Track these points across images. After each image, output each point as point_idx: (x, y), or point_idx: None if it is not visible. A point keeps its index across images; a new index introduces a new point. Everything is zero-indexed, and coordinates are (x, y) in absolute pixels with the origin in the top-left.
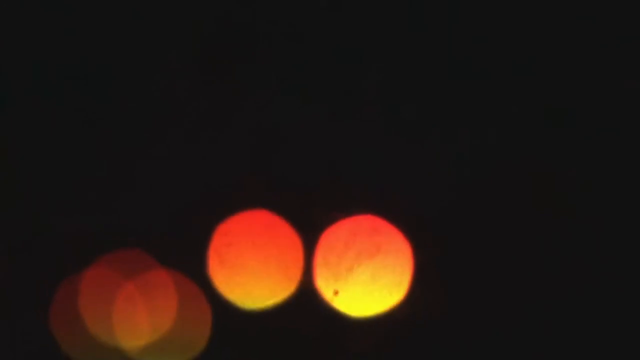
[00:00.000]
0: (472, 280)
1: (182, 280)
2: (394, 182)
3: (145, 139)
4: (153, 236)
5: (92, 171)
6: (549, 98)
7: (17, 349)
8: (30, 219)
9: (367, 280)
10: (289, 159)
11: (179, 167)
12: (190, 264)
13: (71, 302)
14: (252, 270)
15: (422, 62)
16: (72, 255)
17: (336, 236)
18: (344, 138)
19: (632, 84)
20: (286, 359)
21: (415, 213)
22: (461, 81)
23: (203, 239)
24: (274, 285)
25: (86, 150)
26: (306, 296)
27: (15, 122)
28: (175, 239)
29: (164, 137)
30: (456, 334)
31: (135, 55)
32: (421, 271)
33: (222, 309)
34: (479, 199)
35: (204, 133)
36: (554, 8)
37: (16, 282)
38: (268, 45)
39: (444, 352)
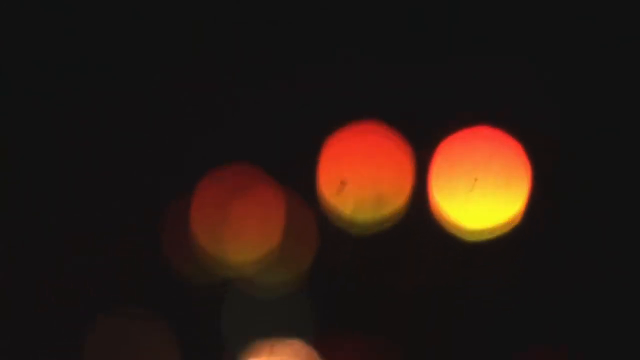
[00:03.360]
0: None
1: (291, 193)
2: (504, 95)
3: None
4: (262, 149)
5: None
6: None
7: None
8: (33, 216)
9: (484, 192)
10: (396, 72)
11: (286, 84)
12: (300, 177)
13: (181, 216)
14: (361, 182)
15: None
16: (183, 171)
17: (452, 148)
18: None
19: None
20: (397, 275)
21: (529, 126)
22: None
23: (312, 151)
24: (384, 197)
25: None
26: (419, 209)
27: (15, 122)
28: (284, 151)
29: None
30: (568, 248)
31: (135, 55)
32: (538, 183)
33: (331, 223)
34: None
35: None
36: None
37: (16, 282)
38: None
39: (558, 269)
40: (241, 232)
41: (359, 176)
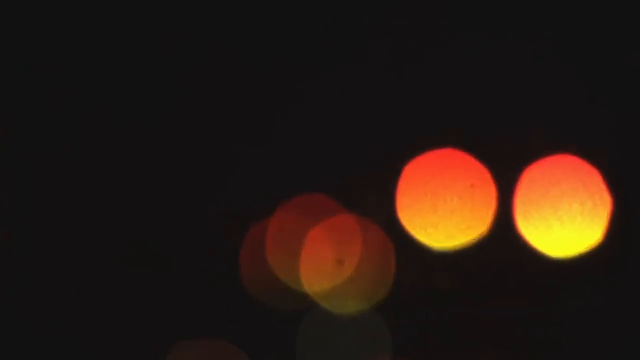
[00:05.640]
0: None
1: (367, 223)
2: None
3: None
4: (338, 180)
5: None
6: None
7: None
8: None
9: (567, 219)
10: (479, 100)
11: (360, 110)
12: (377, 206)
13: (259, 247)
14: (441, 209)
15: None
16: (258, 202)
17: (536, 175)
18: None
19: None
20: (477, 303)
21: (608, 154)
22: None
23: (390, 179)
24: (465, 224)
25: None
26: (501, 235)
27: (15, 122)
28: (361, 181)
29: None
30: None
31: (135, 55)
32: (618, 213)
33: (409, 251)
34: None
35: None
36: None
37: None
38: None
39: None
40: (318, 261)
41: (437, 203)
